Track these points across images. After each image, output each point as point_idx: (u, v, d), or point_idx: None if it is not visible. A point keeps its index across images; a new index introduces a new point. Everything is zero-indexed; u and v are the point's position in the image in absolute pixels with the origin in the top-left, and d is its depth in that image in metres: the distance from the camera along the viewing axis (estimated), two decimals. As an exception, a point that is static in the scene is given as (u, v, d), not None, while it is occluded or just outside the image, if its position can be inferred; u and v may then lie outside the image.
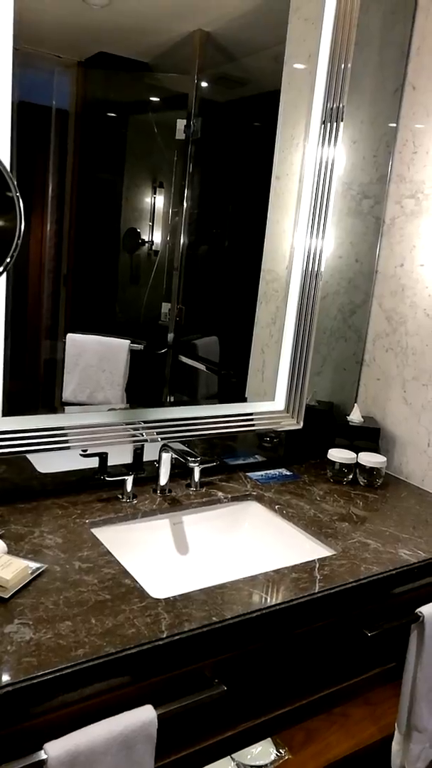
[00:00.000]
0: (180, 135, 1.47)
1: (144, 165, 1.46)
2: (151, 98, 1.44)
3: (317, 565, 1.18)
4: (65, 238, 1.36)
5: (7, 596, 0.98)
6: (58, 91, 1.30)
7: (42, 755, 0.81)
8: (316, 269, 1.60)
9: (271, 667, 1.11)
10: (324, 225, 1.57)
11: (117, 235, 1.45)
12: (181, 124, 1.46)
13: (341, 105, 1.51)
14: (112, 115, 1.39)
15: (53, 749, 0.81)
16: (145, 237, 1.48)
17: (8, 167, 1.14)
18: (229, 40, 1.47)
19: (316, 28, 1.49)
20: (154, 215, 1.48)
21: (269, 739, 1.37)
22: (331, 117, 1.52)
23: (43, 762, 0.81)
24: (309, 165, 1.56)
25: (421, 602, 1.26)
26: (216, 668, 1.01)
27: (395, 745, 1.31)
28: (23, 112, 1.20)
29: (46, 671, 0.83)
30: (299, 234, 1.59)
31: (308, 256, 1.60)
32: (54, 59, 1.28)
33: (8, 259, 1.11)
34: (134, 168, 1.44)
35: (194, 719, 1.03)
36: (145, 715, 0.89)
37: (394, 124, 1.68)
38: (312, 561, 1.20)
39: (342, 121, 1.52)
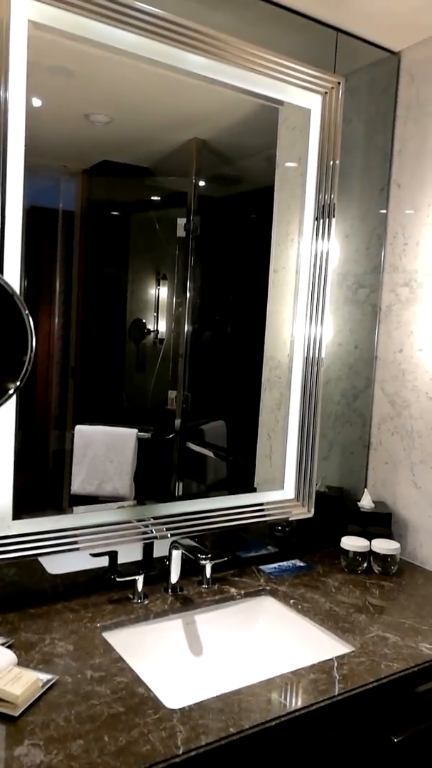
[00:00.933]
0: (180, 232, 1.54)
1: (147, 259, 1.52)
2: (152, 197, 1.52)
3: (335, 665, 1.15)
4: (72, 331, 1.40)
5: (17, 714, 0.95)
6: (65, 195, 1.38)
7: None
8: (316, 356, 1.63)
9: (294, 780, 1.06)
10: (322, 314, 1.61)
11: (123, 325, 1.50)
12: (181, 222, 1.53)
13: (332, 201, 1.58)
14: (116, 213, 1.47)
15: None
16: (151, 326, 1.52)
17: (18, 272, 1.19)
18: (224, 146, 1.57)
19: (303, 136, 1.59)
20: (159, 305, 1.53)
21: None
22: (323, 213, 1.60)
23: None
24: (305, 258, 1.62)
25: (446, 700, 1.21)
26: (235, 785, 0.97)
27: None
28: (32, 215, 1.26)
29: (59, 799, 0.80)
30: (299, 323, 1.64)
31: (308, 344, 1.63)
32: (61, 169, 1.37)
33: (18, 383, 1.15)
34: (138, 262, 1.51)
35: None
36: None
37: (384, 218, 1.76)
38: (330, 660, 1.16)
39: (334, 216, 1.59)
